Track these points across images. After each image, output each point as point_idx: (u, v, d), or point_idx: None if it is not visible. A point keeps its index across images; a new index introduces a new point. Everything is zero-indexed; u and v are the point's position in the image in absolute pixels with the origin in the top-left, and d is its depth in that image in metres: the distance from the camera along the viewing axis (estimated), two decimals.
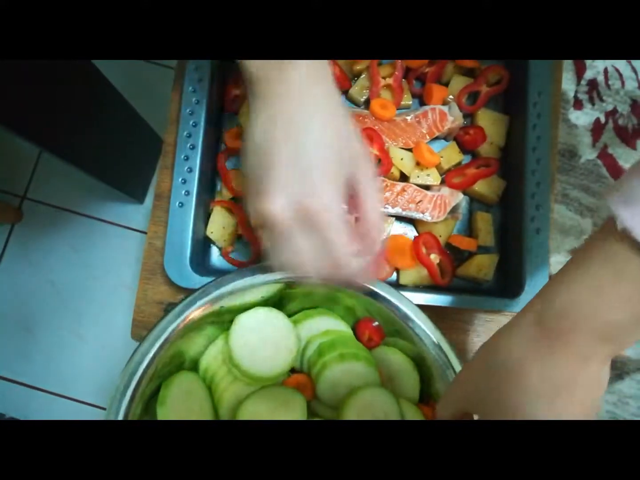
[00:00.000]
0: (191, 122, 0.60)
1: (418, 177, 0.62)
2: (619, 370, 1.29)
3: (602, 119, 1.37)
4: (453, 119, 0.62)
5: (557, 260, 1.32)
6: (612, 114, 1.38)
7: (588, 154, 1.37)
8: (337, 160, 0.41)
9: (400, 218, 0.64)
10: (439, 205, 0.61)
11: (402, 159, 0.62)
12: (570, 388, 0.33)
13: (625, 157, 1.36)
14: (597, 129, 1.36)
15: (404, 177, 0.63)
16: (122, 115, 1.06)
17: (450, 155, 0.63)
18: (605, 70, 1.39)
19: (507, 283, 0.62)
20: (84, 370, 1.30)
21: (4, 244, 1.32)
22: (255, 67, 0.41)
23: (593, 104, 1.37)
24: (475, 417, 0.40)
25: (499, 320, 0.62)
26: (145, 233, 1.30)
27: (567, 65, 1.38)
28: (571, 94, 1.37)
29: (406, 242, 0.62)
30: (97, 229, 1.32)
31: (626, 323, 0.32)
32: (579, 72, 1.38)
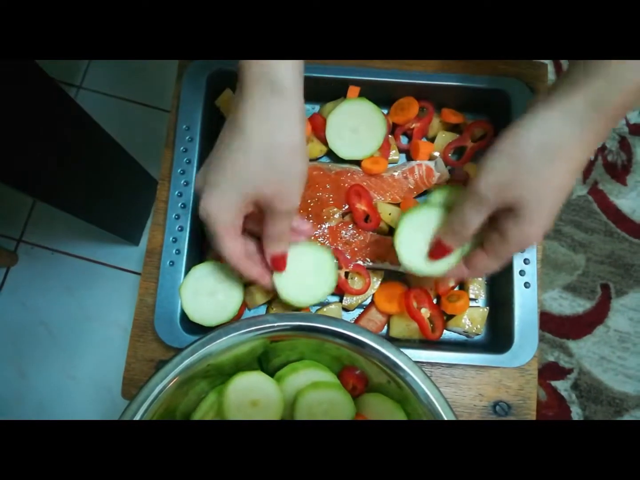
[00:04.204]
0: (182, 182, 0.61)
1: None
2: (618, 407, 1.28)
3: (592, 156, 1.39)
4: (439, 174, 0.63)
5: (550, 296, 1.33)
6: (601, 150, 1.40)
7: (579, 190, 1.38)
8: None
9: (391, 271, 0.64)
10: None
11: (390, 214, 0.63)
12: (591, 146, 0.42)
13: (616, 193, 1.38)
14: (586, 165, 1.38)
15: (392, 231, 0.64)
16: (116, 159, 1.07)
17: None
18: None
19: (496, 336, 0.62)
20: (77, 412, 1.28)
21: (0, 287, 1.32)
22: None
23: None
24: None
25: (490, 373, 0.62)
26: (140, 274, 1.31)
27: None
28: None
29: (396, 289, 0.63)
30: (92, 271, 1.32)
31: None
32: None
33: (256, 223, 0.52)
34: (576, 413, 1.28)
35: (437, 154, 0.66)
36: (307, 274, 0.57)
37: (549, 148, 0.41)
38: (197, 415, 0.55)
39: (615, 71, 0.38)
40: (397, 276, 0.65)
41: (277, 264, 0.53)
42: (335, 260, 0.58)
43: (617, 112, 0.40)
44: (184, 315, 0.59)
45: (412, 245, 0.53)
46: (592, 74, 0.39)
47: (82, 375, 1.30)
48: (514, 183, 0.43)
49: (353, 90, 0.65)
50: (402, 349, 0.55)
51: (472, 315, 0.61)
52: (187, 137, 0.62)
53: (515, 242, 0.45)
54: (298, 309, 0.61)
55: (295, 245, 0.56)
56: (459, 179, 0.65)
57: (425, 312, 0.61)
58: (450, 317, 0.63)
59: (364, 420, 0.53)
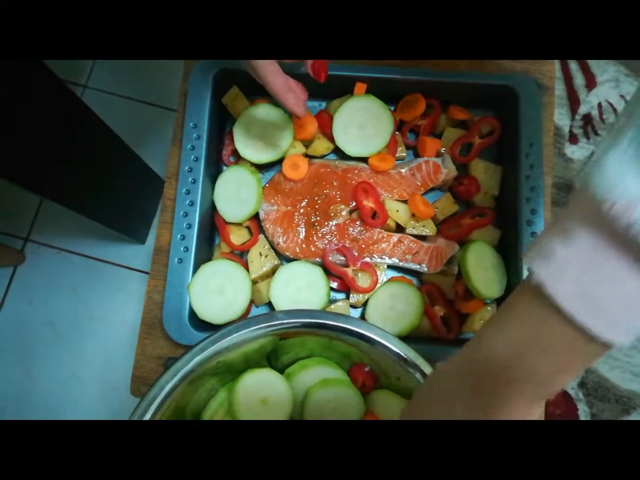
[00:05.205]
0: (190, 179, 0.61)
1: (414, 228, 0.63)
2: (626, 405, 1.28)
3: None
4: (447, 171, 0.63)
5: None
6: None
7: None
8: None
9: (404, 269, 0.64)
10: (435, 257, 0.61)
11: (397, 211, 0.63)
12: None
13: None
14: None
15: (400, 228, 0.64)
16: (122, 158, 1.08)
17: (445, 206, 0.64)
18: (600, 105, 1.41)
19: None
20: (84, 411, 1.29)
21: (7, 286, 1.33)
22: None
23: (588, 138, 1.39)
24: None
25: None
26: (146, 273, 1.31)
27: (562, 100, 1.40)
28: (566, 129, 1.39)
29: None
30: (99, 270, 1.33)
31: (547, 370, 0.32)
32: (573, 108, 1.40)
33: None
34: (583, 411, 1.27)
35: (444, 150, 0.66)
36: (301, 290, 0.60)
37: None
38: (208, 413, 0.55)
39: (476, 341, 0.35)
40: (413, 274, 0.65)
41: (318, 70, 0.54)
42: (326, 279, 0.60)
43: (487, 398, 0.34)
44: (192, 313, 0.59)
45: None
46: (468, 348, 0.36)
47: (88, 375, 1.30)
48: None
49: (360, 87, 0.65)
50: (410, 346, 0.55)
51: (485, 317, 0.61)
52: (194, 135, 0.62)
53: None
54: None
55: (290, 264, 0.61)
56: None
57: (438, 310, 0.61)
58: (464, 316, 0.63)
59: (373, 420, 0.53)
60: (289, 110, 0.53)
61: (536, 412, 0.34)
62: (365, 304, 0.62)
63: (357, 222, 0.62)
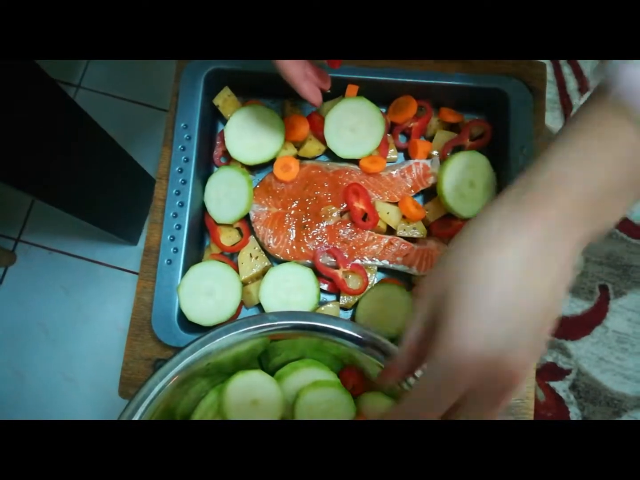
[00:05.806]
0: (180, 180, 0.61)
1: (404, 230, 0.63)
2: (617, 407, 1.28)
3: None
4: (436, 172, 0.63)
5: None
6: None
7: None
8: None
9: (394, 271, 0.64)
10: (425, 259, 0.61)
11: (388, 213, 0.63)
12: (537, 265, 0.32)
13: None
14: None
15: (390, 230, 0.64)
16: (114, 158, 1.07)
17: (436, 207, 0.64)
18: None
19: None
20: (74, 413, 1.28)
21: None
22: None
23: None
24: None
25: None
26: (137, 274, 1.31)
27: (554, 104, 1.41)
28: None
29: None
30: (90, 271, 1.32)
31: (617, 184, 0.33)
32: (566, 111, 1.41)
33: None
34: (574, 414, 1.28)
35: (435, 153, 0.66)
36: (292, 292, 0.60)
37: (478, 235, 0.35)
38: (197, 415, 0.55)
39: (543, 161, 0.34)
40: (402, 276, 0.65)
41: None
42: (316, 280, 0.61)
43: (545, 201, 0.33)
44: (181, 314, 0.59)
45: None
46: (534, 164, 0.36)
47: (79, 376, 1.29)
48: (442, 275, 0.36)
49: (351, 89, 0.65)
50: None
51: None
52: (185, 136, 0.62)
53: (439, 362, 0.33)
54: None
55: (280, 266, 0.61)
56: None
57: None
58: None
59: (365, 420, 0.53)
60: (305, 98, 0.52)
61: (567, 250, 0.33)
62: (355, 306, 0.62)
63: (348, 224, 0.62)
